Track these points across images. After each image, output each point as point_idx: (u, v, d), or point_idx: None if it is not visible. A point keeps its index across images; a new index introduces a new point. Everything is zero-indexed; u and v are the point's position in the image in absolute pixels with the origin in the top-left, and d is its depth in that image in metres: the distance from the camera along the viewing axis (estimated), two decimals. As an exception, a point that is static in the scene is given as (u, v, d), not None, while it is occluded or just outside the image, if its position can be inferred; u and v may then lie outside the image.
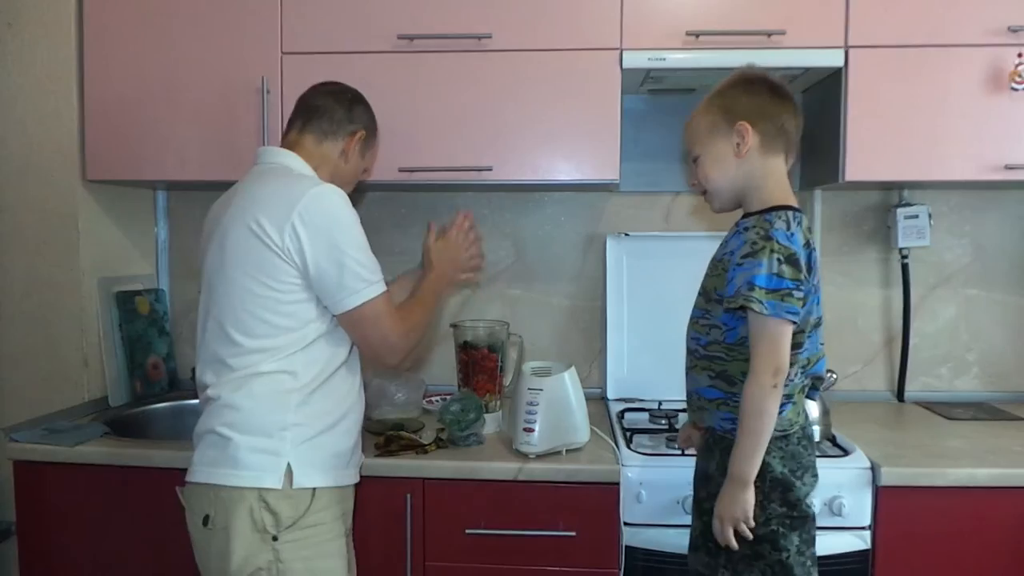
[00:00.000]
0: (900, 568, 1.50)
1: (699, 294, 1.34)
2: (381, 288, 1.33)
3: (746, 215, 1.29)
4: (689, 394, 1.36)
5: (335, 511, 1.33)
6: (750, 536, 1.20)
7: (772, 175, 1.27)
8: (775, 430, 1.21)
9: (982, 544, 1.49)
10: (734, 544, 1.21)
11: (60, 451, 1.59)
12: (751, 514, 1.19)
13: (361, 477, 1.49)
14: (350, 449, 1.38)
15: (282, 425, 1.26)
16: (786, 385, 1.19)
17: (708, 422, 1.31)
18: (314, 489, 1.28)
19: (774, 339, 1.16)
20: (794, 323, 1.17)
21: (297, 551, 1.26)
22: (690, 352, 1.33)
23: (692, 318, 1.34)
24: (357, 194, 2.23)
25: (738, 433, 1.20)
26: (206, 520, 1.25)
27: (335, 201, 1.29)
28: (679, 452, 1.55)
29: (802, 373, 1.26)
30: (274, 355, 1.27)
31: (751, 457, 1.19)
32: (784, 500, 1.23)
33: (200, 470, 1.28)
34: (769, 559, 1.22)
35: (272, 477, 1.24)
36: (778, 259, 1.17)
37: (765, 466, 1.21)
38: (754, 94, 1.27)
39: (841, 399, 2.00)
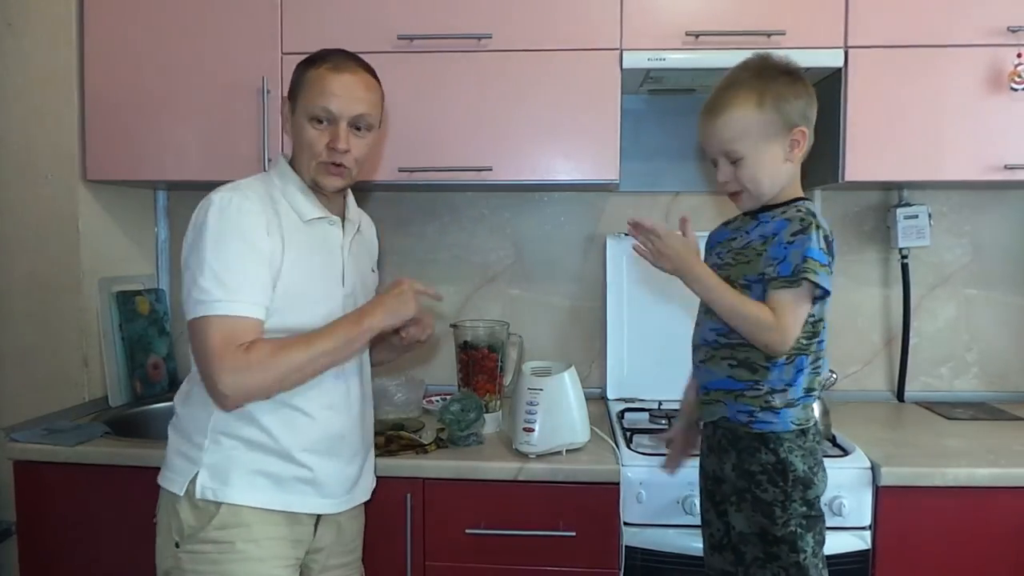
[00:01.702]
0: (900, 568, 1.50)
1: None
2: (218, 310, 1.15)
3: (764, 209, 1.28)
4: (699, 389, 1.35)
5: (254, 532, 1.21)
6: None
7: (797, 173, 1.28)
8: (795, 424, 1.22)
9: (982, 544, 1.49)
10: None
11: (60, 451, 1.60)
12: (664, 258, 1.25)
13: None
14: (292, 475, 1.24)
15: (204, 433, 1.22)
16: (809, 376, 1.22)
17: (723, 414, 1.28)
18: (219, 504, 1.20)
19: (805, 310, 1.19)
20: (827, 294, 1.20)
21: (195, 564, 1.21)
22: (706, 344, 1.30)
23: (707, 310, 1.31)
24: (357, 194, 2.24)
25: (737, 300, 1.21)
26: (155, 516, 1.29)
27: (210, 209, 1.19)
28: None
29: (821, 363, 1.26)
30: None
31: (714, 294, 1.22)
32: (804, 499, 1.22)
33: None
34: (786, 561, 1.21)
35: (180, 483, 1.22)
36: (824, 236, 1.20)
37: (788, 464, 1.21)
38: (806, 96, 1.25)
39: (841, 399, 2.01)
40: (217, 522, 1.20)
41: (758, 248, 1.24)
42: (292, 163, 1.31)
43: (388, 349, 1.48)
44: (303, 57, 1.31)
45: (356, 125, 1.27)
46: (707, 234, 1.44)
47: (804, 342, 1.22)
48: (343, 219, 1.36)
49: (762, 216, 1.28)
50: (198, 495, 1.20)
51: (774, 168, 1.24)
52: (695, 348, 1.35)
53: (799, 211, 1.22)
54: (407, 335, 1.38)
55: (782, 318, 1.17)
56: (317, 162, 1.27)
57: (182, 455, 1.24)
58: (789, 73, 1.25)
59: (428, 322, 1.40)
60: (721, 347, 1.28)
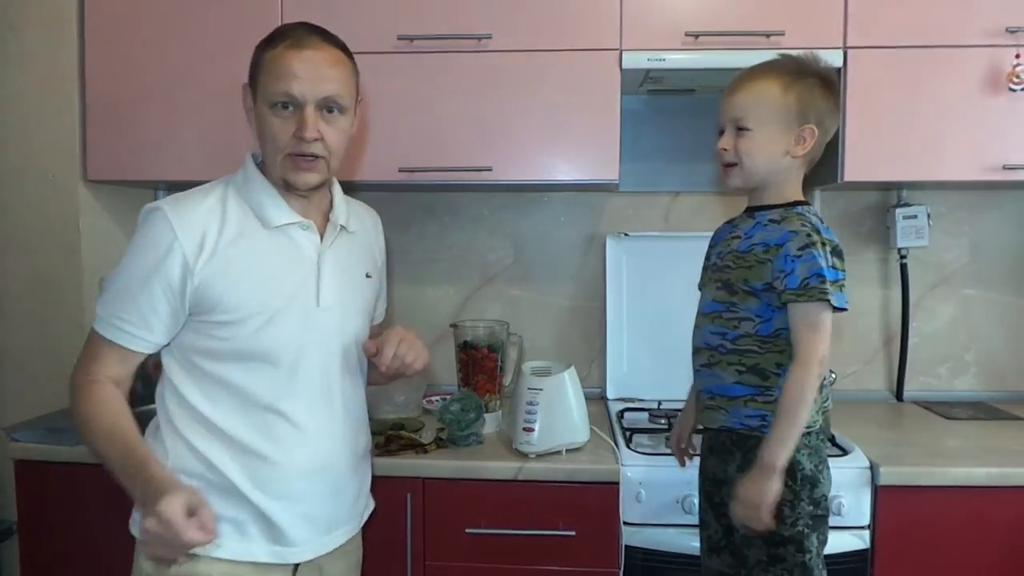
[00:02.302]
0: (899, 568, 1.50)
1: (717, 288, 1.30)
2: (102, 330, 1.11)
3: (762, 208, 1.28)
4: (699, 394, 1.34)
5: None
6: (771, 524, 1.17)
7: (795, 181, 1.29)
8: (806, 427, 1.21)
9: (981, 543, 1.50)
10: (766, 522, 1.16)
11: (61, 451, 1.60)
12: (773, 502, 1.16)
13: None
14: (255, 521, 1.13)
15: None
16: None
17: (723, 423, 1.28)
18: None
19: (827, 329, 1.19)
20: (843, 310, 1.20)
21: None
22: (710, 348, 1.30)
23: (710, 313, 1.31)
24: (357, 194, 2.24)
25: (776, 421, 1.19)
26: None
27: (141, 219, 1.12)
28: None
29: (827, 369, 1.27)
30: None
31: (787, 443, 1.17)
32: (811, 498, 1.22)
33: None
34: (791, 561, 1.21)
35: (136, 527, 1.14)
36: (830, 251, 1.20)
37: (795, 464, 1.20)
38: (829, 100, 1.26)
39: (840, 399, 2.00)
40: (175, 569, 1.09)
41: (760, 256, 1.24)
42: (261, 161, 1.19)
43: (377, 373, 1.26)
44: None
45: (326, 108, 1.12)
46: (707, 234, 1.44)
47: None
48: (326, 221, 1.22)
49: (759, 215, 1.28)
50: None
51: (774, 153, 1.25)
52: (696, 351, 1.34)
53: (803, 225, 1.22)
54: (388, 368, 1.16)
55: (805, 344, 1.18)
56: (284, 155, 1.11)
57: None
58: (827, 81, 1.27)
59: (417, 352, 1.18)
60: (728, 352, 1.27)
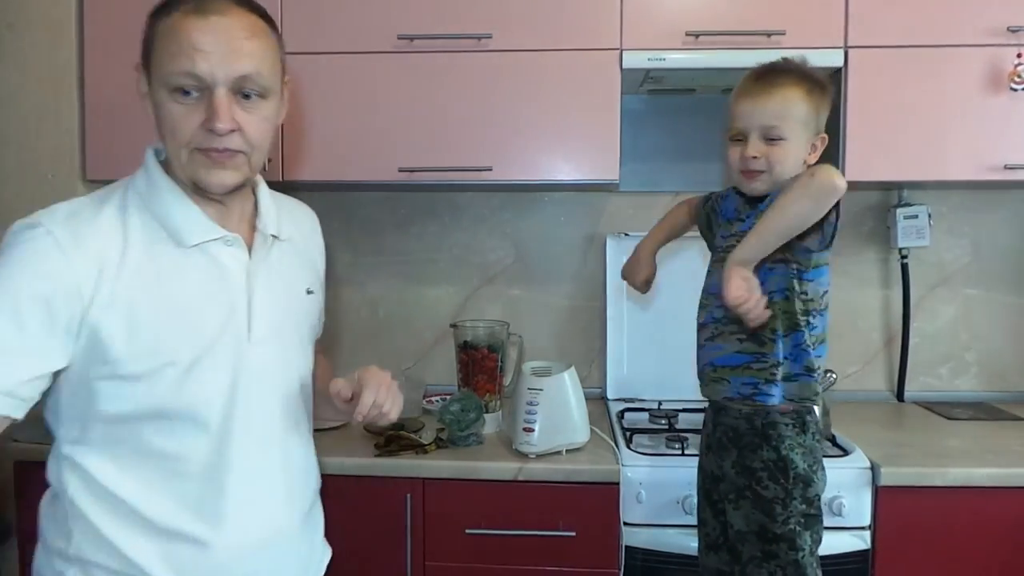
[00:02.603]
0: (900, 568, 1.50)
1: (718, 269, 1.28)
2: None
3: (761, 199, 1.30)
4: (703, 368, 1.35)
5: None
6: (761, 312, 1.16)
7: None
8: (787, 399, 1.23)
9: (981, 544, 1.50)
10: (748, 305, 1.15)
11: (60, 451, 1.60)
12: (743, 288, 1.15)
13: (361, 477, 1.50)
14: None
15: (64, 557, 0.92)
16: (810, 358, 1.23)
17: (724, 393, 1.29)
18: None
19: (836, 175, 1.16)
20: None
21: None
22: (712, 322, 1.32)
23: (712, 292, 1.32)
24: (357, 194, 2.25)
25: (760, 219, 1.18)
26: None
27: (8, 236, 0.90)
28: (679, 452, 1.56)
29: (822, 346, 1.27)
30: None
31: (757, 240, 1.17)
32: (804, 497, 1.23)
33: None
34: (783, 559, 1.22)
35: None
36: None
37: (788, 462, 1.22)
38: (828, 108, 1.29)
39: (841, 399, 2.00)
40: None
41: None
42: (165, 159, 0.95)
43: (333, 411, 1.02)
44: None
45: (242, 92, 0.89)
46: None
47: (800, 317, 1.23)
48: (252, 231, 0.99)
49: (761, 206, 1.29)
50: None
51: (798, 160, 1.27)
52: (701, 327, 1.35)
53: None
54: (364, 417, 0.95)
55: (814, 171, 1.17)
56: (190, 151, 0.89)
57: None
58: (829, 89, 1.30)
59: (395, 400, 0.98)
60: (730, 322, 1.28)
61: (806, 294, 1.25)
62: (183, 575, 0.91)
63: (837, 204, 1.20)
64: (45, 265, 0.83)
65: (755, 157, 1.25)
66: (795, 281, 1.24)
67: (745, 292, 1.15)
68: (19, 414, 0.83)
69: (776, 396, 1.24)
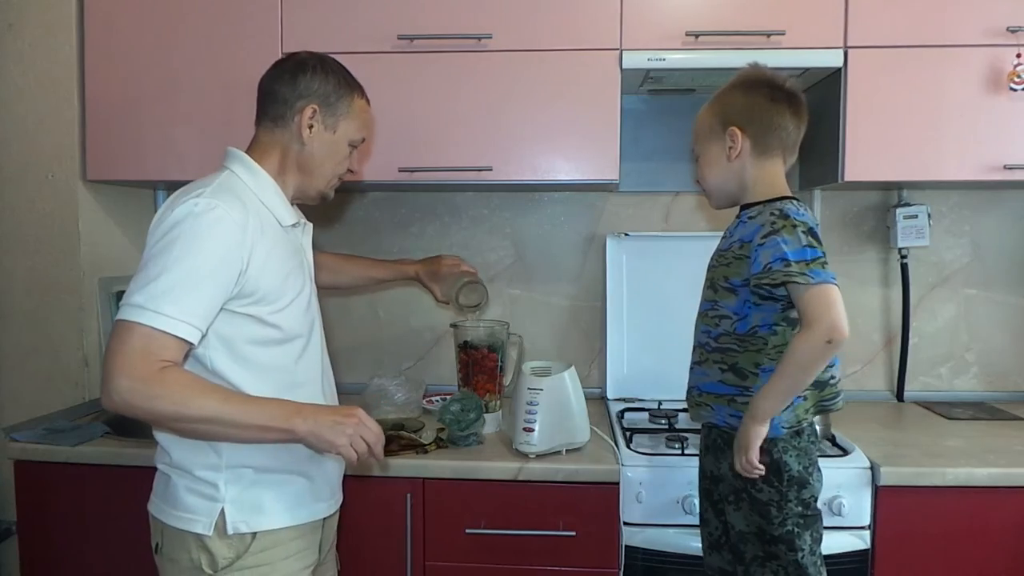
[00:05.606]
0: (899, 568, 1.50)
1: (706, 287, 1.34)
2: (156, 323, 1.05)
3: (746, 206, 1.30)
4: (690, 390, 1.36)
5: (289, 548, 1.22)
6: (759, 469, 1.21)
7: (766, 177, 1.28)
8: (785, 427, 1.22)
9: (981, 544, 1.50)
10: (752, 465, 1.20)
11: (60, 451, 1.60)
12: (756, 448, 1.20)
13: (361, 477, 1.49)
14: (306, 487, 1.25)
15: (216, 469, 1.17)
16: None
17: (708, 418, 1.31)
18: (254, 533, 1.18)
19: (827, 298, 1.15)
20: (836, 286, 1.17)
21: None
22: (700, 346, 1.33)
23: (701, 311, 1.34)
24: (356, 194, 2.25)
25: (772, 375, 1.19)
26: (156, 547, 1.22)
27: (191, 214, 1.11)
28: (679, 452, 1.56)
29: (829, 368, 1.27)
30: None
31: (772, 398, 1.18)
32: (799, 499, 1.23)
33: (152, 500, 1.24)
34: (784, 559, 1.22)
35: (204, 522, 1.16)
36: (802, 232, 1.18)
37: (783, 465, 1.22)
38: (751, 96, 1.28)
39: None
40: (255, 547, 1.18)
41: (736, 252, 1.26)
42: (260, 164, 1.25)
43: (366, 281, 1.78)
44: (318, 60, 1.26)
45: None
46: (707, 234, 1.45)
47: (777, 352, 1.22)
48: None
49: (742, 215, 1.30)
50: (230, 531, 1.16)
51: (718, 167, 1.31)
52: (693, 348, 1.36)
53: (772, 213, 1.22)
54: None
55: (809, 318, 1.15)
56: (337, 179, 1.34)
57: (196, 493, 1.17)
58: (748, 80, 1.30)
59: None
60: (713, 351, 1.29)
61: (783, 324, 1.23)
62: (298, 450, 1.20)
63: (817, 237, 1.20)
64: (228, 234, 1.13)
65: (696, 181, 1.39)
66: (783, 315, 1.23)
67: (753, 472, 1.21)
68: (197, 340, 1.12)
69: (770, 429, 1.22)
